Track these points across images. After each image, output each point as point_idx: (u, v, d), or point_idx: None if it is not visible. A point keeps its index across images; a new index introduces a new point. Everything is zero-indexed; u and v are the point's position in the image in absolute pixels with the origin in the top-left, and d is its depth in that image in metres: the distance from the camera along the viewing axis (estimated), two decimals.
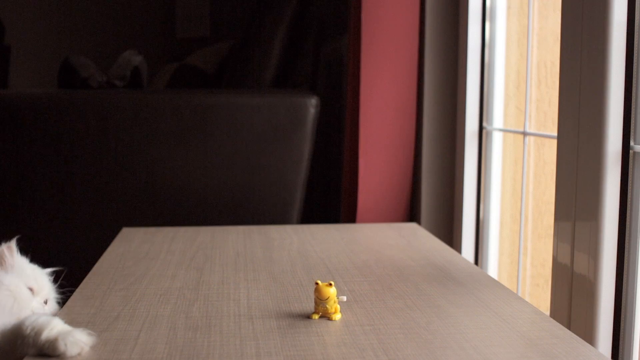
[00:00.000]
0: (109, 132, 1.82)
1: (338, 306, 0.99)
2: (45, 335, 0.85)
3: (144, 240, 1.48)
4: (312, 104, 1.89)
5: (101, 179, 1.83)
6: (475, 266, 1.27)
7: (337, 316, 0.99)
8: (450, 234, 1.85)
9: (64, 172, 1.82)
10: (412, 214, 1.89)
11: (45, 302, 1.05)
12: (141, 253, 1.36)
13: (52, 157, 1.81)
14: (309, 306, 1.04)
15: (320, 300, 0.98)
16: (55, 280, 1.09)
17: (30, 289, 1.02)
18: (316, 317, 0.99)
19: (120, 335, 0.93)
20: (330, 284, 0.98)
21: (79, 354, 0.85)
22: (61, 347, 0.84)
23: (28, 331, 0.86)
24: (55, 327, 0.86)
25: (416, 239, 1.48)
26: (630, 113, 1.08)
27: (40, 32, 3.72)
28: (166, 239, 1.49)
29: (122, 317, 1.00)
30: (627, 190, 1.09)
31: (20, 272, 1.03)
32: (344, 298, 1.03)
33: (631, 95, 1.08)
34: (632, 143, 1.09)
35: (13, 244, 1.04)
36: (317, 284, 0.98)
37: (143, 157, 1.83)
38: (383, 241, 1.47)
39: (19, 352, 0.86)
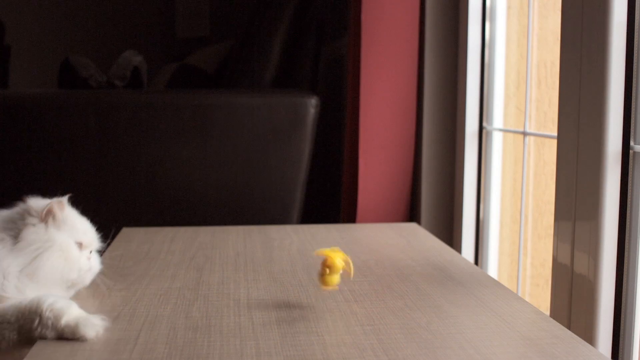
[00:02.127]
0: (109, 132, 1.82)
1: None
2: (65, 320, 0.91)
3: (144, 240, 1.48)
4: (312, 104, 1.89)
5: (101, 179, 1.83)
6: (475, 266, 1.27)
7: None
8: (450, 234, 1.85)
9: (64, 172, 1.82)
10: (412, 214, 1.89)
11: (90, 253, 1.10)
12: (141, 253, 1.36)
13: (52, 157, 1.81)
14: (309, 306, 1.04)
15: (331, 270, 1.01)
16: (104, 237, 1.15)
17: (79, 244, 1.07)
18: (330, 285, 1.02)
19: (120, 335, 0.93)
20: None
21: (95, 337, 0.91)
22: (81, 331, 0.90)
23: (47, 314, 0.91)
24: (73, 312, 0.92)
25: (416, 239, 1.48)
26: (630, 113, 1.08)
27: (40, 32, 3.72)
28: (166, 239, 1.49)
29: (122, 317, 1.00)
30: (627, 190, 1.09)
31: (71, 227, 1.07)
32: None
33: (631, 95, 1.08)
34: (632, 143, 1.09)
35: (64, 199, 1.08)
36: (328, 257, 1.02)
37: (143, 156, 1.83)
38: (383, 241, 1.47)
39: (37, 333, 0.91)
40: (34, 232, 1.03)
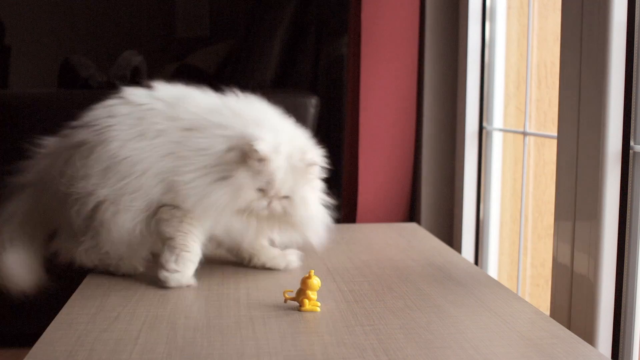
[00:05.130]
0: None
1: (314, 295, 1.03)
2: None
3: None
4: (312, 104, 1.88)
5: None
6: (475, 266, 1.27)
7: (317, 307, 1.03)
8: (450, 234, 1.85)
9: None
10: (412, 214, 1.89)
11: (284, 198, 1.14)
12: None
13: None
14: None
15: (308, 291, 1.02)
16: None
17: (262, 190, 1.12)
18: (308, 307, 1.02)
19: (120, 335, 0.93)
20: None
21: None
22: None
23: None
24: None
25: (416, 239, 1.48)
26: (630, 113, 1.08)
27: (40, 32, 3.72)
28: None
29: (122, 317, 1.00)
30: (627, 190, 1.09)
31: (259, 174, 1.11)
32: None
33: (631, 95, 1.08)
34: (632, 143, 1.09)
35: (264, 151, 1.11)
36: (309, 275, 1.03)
37: None
38: (383, 241, 1.47)
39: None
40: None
